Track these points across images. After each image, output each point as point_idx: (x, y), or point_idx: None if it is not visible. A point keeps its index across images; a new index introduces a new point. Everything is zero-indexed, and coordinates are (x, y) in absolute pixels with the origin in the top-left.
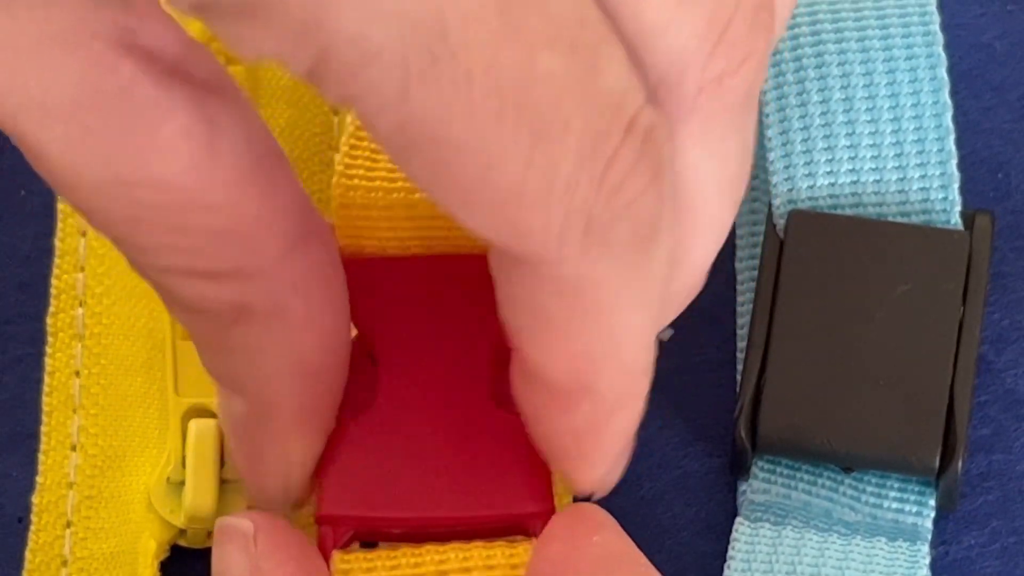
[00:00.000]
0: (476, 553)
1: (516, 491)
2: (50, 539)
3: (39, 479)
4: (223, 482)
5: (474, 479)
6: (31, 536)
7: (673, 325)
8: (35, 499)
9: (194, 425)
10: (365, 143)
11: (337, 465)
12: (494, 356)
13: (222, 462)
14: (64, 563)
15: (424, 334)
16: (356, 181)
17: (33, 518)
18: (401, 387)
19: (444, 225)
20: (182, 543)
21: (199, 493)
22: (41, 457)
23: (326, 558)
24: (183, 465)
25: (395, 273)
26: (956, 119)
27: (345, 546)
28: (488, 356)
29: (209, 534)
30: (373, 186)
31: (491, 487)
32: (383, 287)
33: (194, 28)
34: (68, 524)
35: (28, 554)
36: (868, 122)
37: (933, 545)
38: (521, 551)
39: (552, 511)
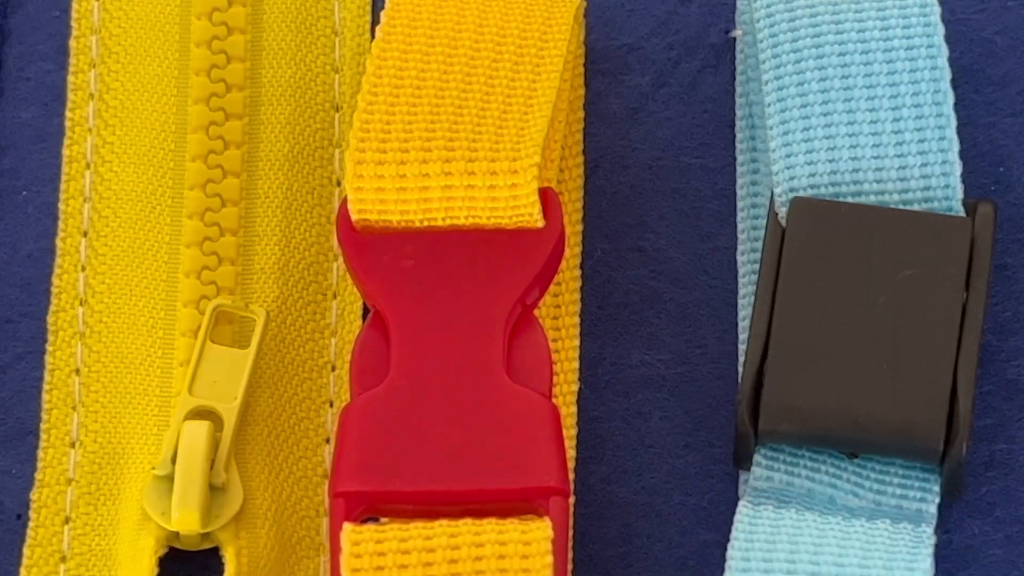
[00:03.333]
0: (489, 528)
1: (529, 465)
2: (49, 535)
3: (38, 475)
4: (212, 488)
5: (487, 453)
6: (30, 532)
7: (673, 317)
8: (34, 495)
9: (187, 427)
10: (377, 116)
11: (351, 440)
12: (508, 329)
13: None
14: (63, 559)
15: (437, 308)
16: (368, 155)
17: (32, 514)
18: (414, 361)
19: (454, 198)
20: (176, 545)
21: (186, 498)
22: (41, 454)
23: (337, 532)
24: (172, 462)
25: (407, 247)
26: (957, 113)
27: (358, 520)
28: (502, 329)
29: (203, 537)
30: (385, 158)
31: (504, 461)
32: (395, 261)
33: (196, 33)
34: (67, 520)
35: (27, 550)
36: (868, 111)
37: (936, 532)
38: (534, 528)
39: (566, 488)
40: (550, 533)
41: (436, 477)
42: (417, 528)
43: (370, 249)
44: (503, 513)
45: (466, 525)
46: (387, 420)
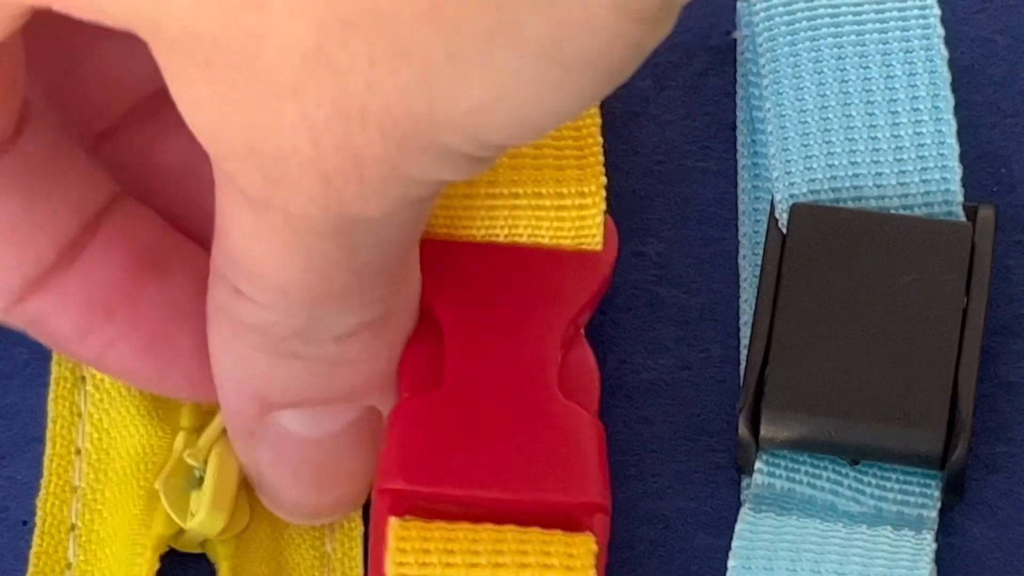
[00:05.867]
0: (534, 537)
1: (576, 480)
2: (54, 543)
3: (43, 483)
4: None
5: (535, 464)
6: (35, 539)
7: (675, 322)
8: (39, 503)
9: (217, 448)
10: None
11: (399, 439)
12: (561, 346)
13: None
14: (68, 567)
15: (494, 318)
16: None
17: (38, 522)
18: (468, 367)
19: (520, 216)
20: (174, 545)
21: (219, 502)
22: (46, 462)
23: (383, 526)
24: (204, 462)
25: (470, 257)
26: (958, 114)
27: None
28: (556, 346)
29: (202, 542)
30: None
31: (552, 474)
32: (455, 269)
33: None
34: (72, 528)
35: (32, 557)
36: (866, 116)
37: (937, 536)
38: (579, 541)
39: (607, 508)
40: (595, 547)
41: (482, 482)
42: (463, 530)
43: (430, 256)
44: (544, 525)
45: (511, 532)
46: (438, 423)
